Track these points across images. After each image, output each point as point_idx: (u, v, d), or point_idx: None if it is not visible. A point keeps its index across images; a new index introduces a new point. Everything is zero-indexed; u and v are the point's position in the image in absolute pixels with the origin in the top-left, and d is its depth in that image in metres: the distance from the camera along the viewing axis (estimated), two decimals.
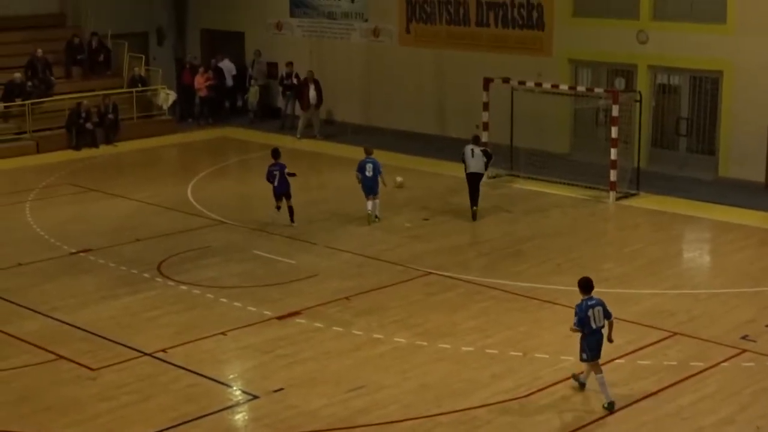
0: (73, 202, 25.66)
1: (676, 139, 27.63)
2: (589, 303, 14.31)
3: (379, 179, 23.30)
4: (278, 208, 23.13)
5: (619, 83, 28.16)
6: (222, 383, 15.20)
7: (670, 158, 27.55)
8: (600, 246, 21.90)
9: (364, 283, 19.30)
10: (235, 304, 18.25)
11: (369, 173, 23.23)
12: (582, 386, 14.65)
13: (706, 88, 26.95)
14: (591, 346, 14.29)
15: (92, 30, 35.21)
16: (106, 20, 35.62)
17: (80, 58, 34.63)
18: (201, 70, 35.10)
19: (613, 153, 24.66)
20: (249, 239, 22.23)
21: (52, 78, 33.10)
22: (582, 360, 14.45)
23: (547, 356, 15.69)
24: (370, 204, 23.32)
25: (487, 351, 16.05)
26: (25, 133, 31.59)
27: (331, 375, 15.28)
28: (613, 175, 24.76)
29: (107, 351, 16.26)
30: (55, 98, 32.51)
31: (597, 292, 18.37)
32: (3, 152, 30.57)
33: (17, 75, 31.99)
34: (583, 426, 13.75)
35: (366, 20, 33.62)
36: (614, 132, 24.71)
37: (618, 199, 24.80)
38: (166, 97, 34.34)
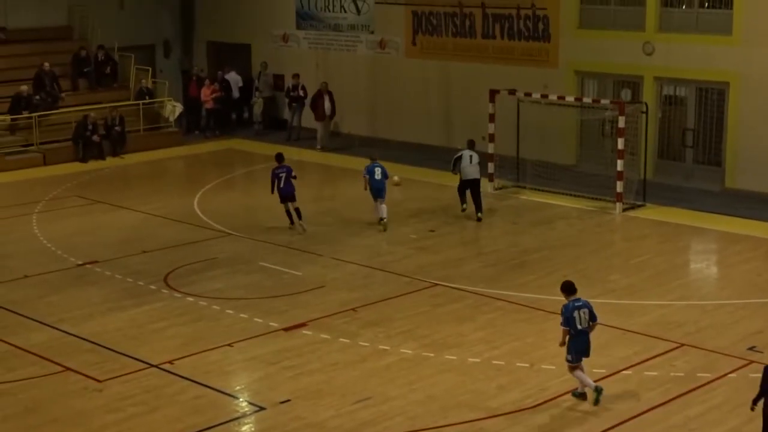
0: (80, 214, 25.69)
1: (683, 151, 27.61)
2: (576, 304, 14.52)
3: (386, 183, 23.74)
4: (288, 213, 23.55)
5: (626, 95, 28.17)
6: (228, 395, 15.19)
7: (677, 169, 27.53)
8: (606, 257, 21.88)
9: (371, 294, 19.30)
10: (242, 315, 18.25)
11: (378, 176, 23.65)
12: (583, 397, 14.62)
13: (713, 99, 26.95)
14: (577, 348, 14.45)
15: (99, 43, 35.32)
16: (112, 33, 35.73)
17: (87, 71, 34.70)
18: (207, 82, 35.17)
19: (620, 164, 24.65)
20: (255, 251, 22.24)
21: (60, 93, 33.13)
22: (567, 361, 14.56)
23: (554, 367, 15.66)
24: (379, 207, 23.69)
25: (494, 362, 16.03)
26: (32, 145, 31.66)
27: (337, 386, 15.27)
28: (619, 187, 24.74)
29: (114, 362, 16.26)
30: (61, 111, 32.59)
31: (604, 303, 18.48)
32: (10, 164, 30.64)
33: (24, 88, 32.06)
34: None
35: (372, 32, 33.68)
36: (620, 143, 24.70)
37: (624, 210, 24.78)
38: (173, 109, 34.40)
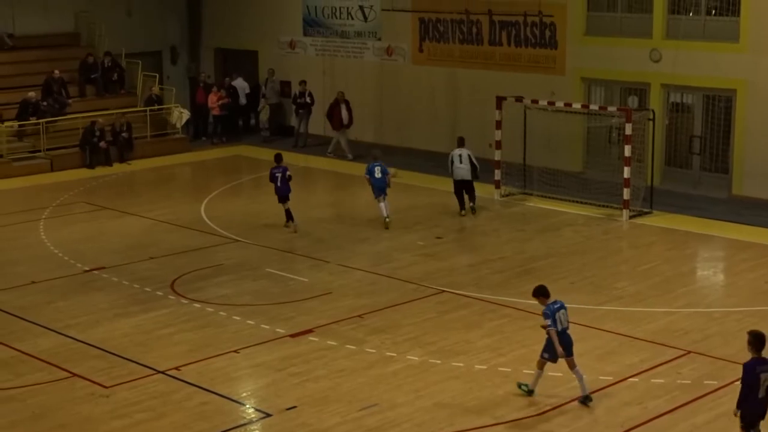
0: (87, 220, 25.73)
1: (690, 158, 27.59)
2: (555, 306, 14.74)
3: (387, 180, 24.41)
4: (287, 213, 24.22)
5: (633, 102, 28.16)
6: (235, 401, 15.20)
7: (684, 177, 27.52)
8: (613, 264, 21.86)
9: (378, 301, 19.30)
10: (248, 322, 18.26)
11: (378, 175, 24.30)
12: (586, 394, 14.75)
13: (720, 106, 26.93)
14: (550, 347, 14.70)
15: (106, 49, 35.41)
16: (120, 39, 35.83)
17: (94, 77, 34.78)
18: (214, 89, 35.22)
19: (626, 171, 24.63)
20: (262, 257, 22.25)
21: (67, 99, 33.22)
22: (543, 358, 14.81)
23: (561, 374, 15.63)
24: (382, 205, 24.24)
25: (501, 369, 16.02)
26: (40, 151, 31.73)
27: (344, 393, 15.26)
28: (626, 194, 24.72)
29: (121, 369, 16.28)
30: (69, 117, 32.65)
31: (611, 310, 18.49)
32: (17, 170, 30.70)
33: (32, 94, 32.14)
34: None
35: (379, 39, 33.72)
36: (627, 150, 24.69)
37: (631, 217, 24.76)
38: (180, 115, 34.45)
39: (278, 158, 24.63)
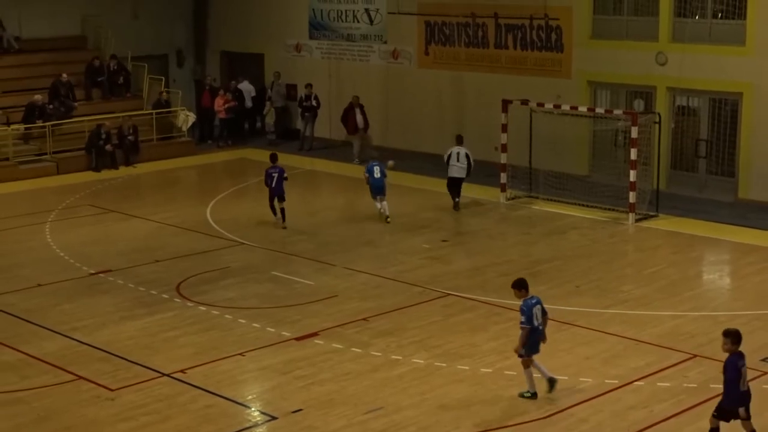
0: (93, 223, 25.76)
1: (696, 161, 27.57)
2: (532, 302, 14.86)
3: (385, 181, 24.95)
4: (273, 209, 24.81)
5: (638, 105, 28.14)
6: (240, 404, 15.20)
7: (690, 180, 27.50)
8: (619, 267, 21.85)
9: (383, 304, 19.29)
10: (254, 325, 18.26)
11: (377, 175, 24.90)
12: (534, 396, 14.93)
13: (726, 110, 26.91)
14: (532, 343, 14.81)
15: (112, 52, 35.45)
16: (126, 43, 35.89)
17: (100, 80, 34.83)
18: (221, 92, 35.25)
19: (632, 175, 24.62)
20: (267, 260, 22.27)
21: (73, 102, 33.28)
22: (520, 356, 14.87)
23: (566, 378, 15.63)
24: (378, 204, 24.92)
25: (506, 372, 16.00)
26: (46, 154, 31.77)
27: (349, 396, 15.26)
28: (632, 197, 24.71)
29: (126, 371, 16.28)
30: (75, 120, 32.70)
31: (617, 313, 18.48)
32: (23, 173, 30.75)
33: (38, 97, 32.19)
34: None
35: (385, 42, 33.73)
36: (633, 154, 24.69)
37: (637, 220, 24.74)
38: (186, 118, 34.49)
39: (273, 158, 25.44)
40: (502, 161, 27.02)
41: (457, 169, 25.97)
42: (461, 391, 15.39)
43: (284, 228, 24.58)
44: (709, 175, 27.36)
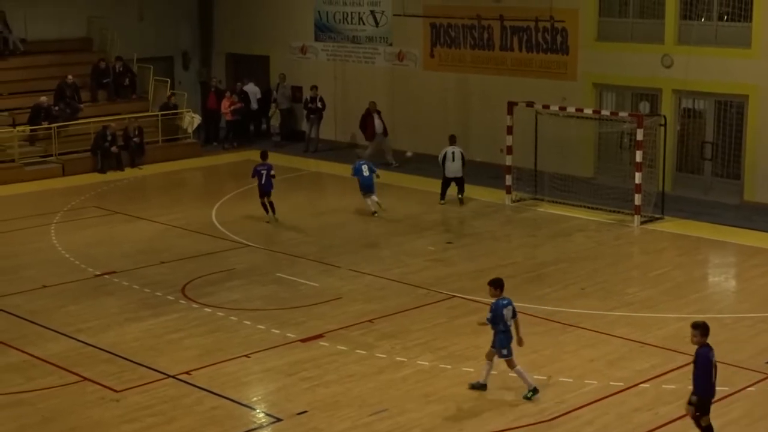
0: (98, 225, 25.78)
1: (701, 164, 27.55)
2: (503, 302, 15.08)
3: (374, 178, 25.79)
4: (264, 206, 25.29)
5: (644, 107, 28.14)
6: (245, 405, 15.20)
7: (695, 182, 27.47)
8: (624, 270, 21.82)
9: (388, 306, 19.29)
10: (259, 326, 18.27)
11: (366, 173, 25.69)
12: (484, 387, 15.23)
13: (731, 112, 26.89)
14: (507, 343, 15.06)
15: (118, 54, 35.50)
16: (131, 45, 35.94)
17: (106, 82, 34.87)
18: (227, 94, 35.26)
19: (638, 177, 24.59)
20: (272, 262, 22.28)
21: (79, 104, 33.32)
22: (504, 356, 15.05)
23: (571, 380, 15.63)
24: (369, 201, 25.70)
25: (511, 375, 15.97)
26: (51, 156, 31.81)
27: (354, 398, 15.26)
28: (637, 199, 24.69)
29: (131, 373, 16.30)
30: (80, 122, 32.74)
31: (622, 315, 18.46)
32: (29, 175, 30.79)
33: (44, 99, 32.24)
34: None
35: (390, 44, 33.75)
36: (639, 156, 24.66)
37: (642, 223, 24.72)
38: (191, 120, 34.53)
39: (264, 155, 26.09)
40: (507, 163, 27.01)
41: (456, 169, 26.68)
42: (466, 393, 15.38)
43: (276, 220, 25.13)
44: (715, 177, 27.34)
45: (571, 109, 26.62)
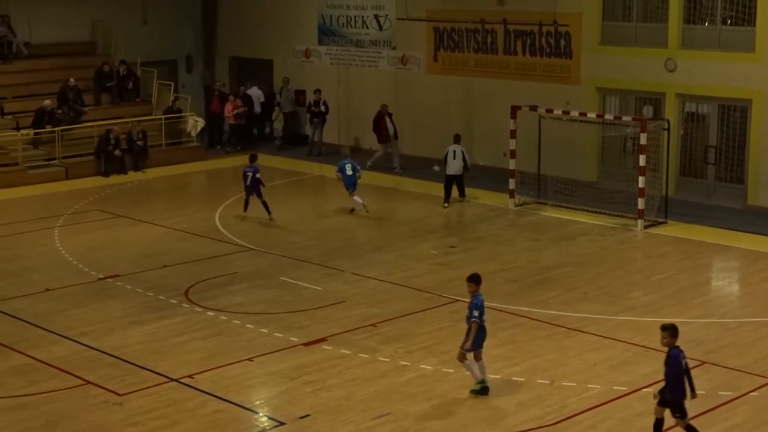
0: (102, 228, 25.79)
1: (705, 168, 27.53)
2: (482, 298, 15.24)
3: (357, 176, 26.42)
4: (246, 202, 26.04)
5: (647, 111, 28.12)
6: (248, 409, 15.20)
7: (699, 187, 27.46)
8: (628, 274, 21.81)
9: (391, 309, 19.29)
10: (262, 330, 18.27)
11: (350, 172, 26.33)
12: (485, 391, 15.29)
13: (735, 116, 26.88)
14: (481, 339, 15.21)
15: (122, 58, 35.54)
16: (135, 48, 35.96)
17: (110, 86, 34.90)
18: (231, 97, 35.28)
19: (641, 181, 24.58)
20: (276, 266, 22.27)
21: (83, 107, 33.36)
22: (465, 350, 15.15)
23: (575, 384, 15.62)
24: (357, 198, 26.19)
25: (514, 379, 15.99)
26: (55, 159, 31.84)
27: (357, 402, 15.26)
28: (641, 204, 24.68)
29: (134, 376, 16.30)
30: (84, 125, 32.77)
31: (625, 320, 18.45)
32: (33, 178, 30.81)
33: (47, 102, 32.27)
34: None
35: (394, 48, 33.75)
36: (642, 160, 24.65)
37: (646, 227, 24.71)
38: (195, 124, 34.54)
39: (253, 158, 26.72)
40: (510, 167, 27.01)
41: (455, 167, 27.05)
42: (469, 397, 15.37)
43: (270, 220, 25.71)
44: (718, 181, 27.32)
45: (574, 113, 26.60)
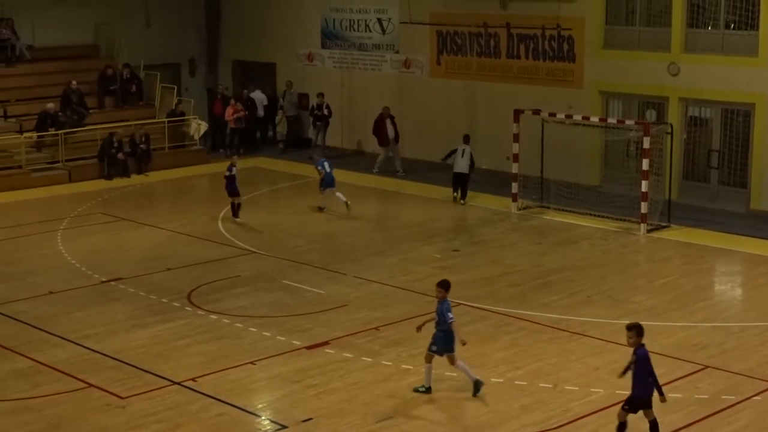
0: (105, 231, 25.80)
1: (708, 172, 27.52)
2: (449, 304, 15.43)
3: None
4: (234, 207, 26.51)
5: (651, 115, 28.12)
6: (251, 413, 15.20)
7: (702, 191, 27.44)
8: (631, 278, 21.80)
9: (393, 313, 19.28)
10: (265, 333, 18.27)
11: (329, 169, 27.03)
12: (428, 391, 15.52)
13: (738, 120, 26.88)
14: (449, 341, 15.37)
15: (125, 61, 35.56)
16: (138, 51, 36.00)
17: (113, 89, 34.92)
18: (232, 101, 35.28)
19: (644, 185, 24.58)
20: (278, 269, 22.27)
21: (85, 110, 33.38)
22: (432, 351, 15.39)
23: (577, 388, 15.61)
24: (339, 194, 26.71)
25: (517, 382, 15.98)
26: (58, 162, 31.86)
27: (359, 405, 15.25)
28: (644, 207, 24.67)
29: (137, 379, 16.30)
30: (87, 128, 32.79)
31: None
32: (36, 181, 30.83)
33: (50, 105, 32.28)
34: None
35: (397, 52, 33.77)
36: (645, 164, 24.65)
37: (649, 231, 24.70)
38: (198, 127, 34.56)
39: (232, 158, 27.35)
40: (513, 171, 27.00)
41: (462, 165, 27.58)
42: (472, 400, 15.36)
43: (235, 221, 26.10)
44: (721, 185, 27.31)
45: (577, 117, 26.61)
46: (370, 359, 17.01)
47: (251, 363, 16.90)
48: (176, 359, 17.15)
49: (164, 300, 20.17)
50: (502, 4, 30.73)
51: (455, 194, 27.80)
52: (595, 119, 26.66)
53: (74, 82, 33.29)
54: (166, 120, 34.03)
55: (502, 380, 16.08)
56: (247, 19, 37.89)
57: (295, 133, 36.23)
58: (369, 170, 31.95)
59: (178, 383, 16.09)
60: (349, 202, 26.66)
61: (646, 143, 24.65)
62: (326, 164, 27.17)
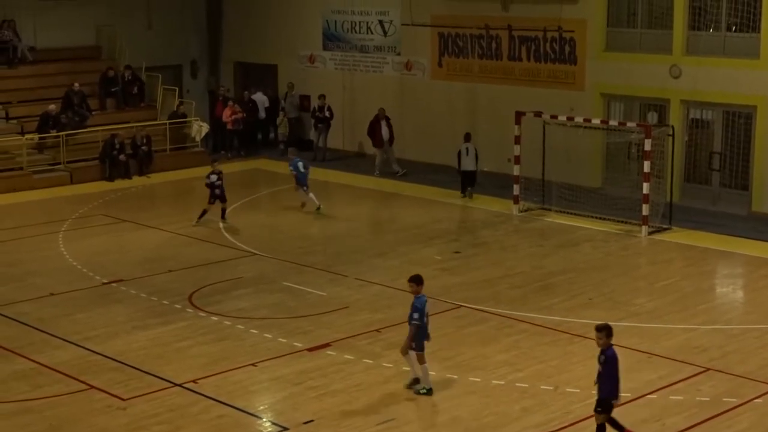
0: (106, 233, 25.80)
1: (709, 174, 27.51)
2: (424, 299, 15.54)
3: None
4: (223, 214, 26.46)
5: (652, 117, 28.12)
6: (252, 414, 15.20)
7: (703, 193, 27.43)
8: (632, 280, 21.79)
9: (395, 315, 19.25)
10: (266, 335, 18.27)
11: (303, 169, 27.23)
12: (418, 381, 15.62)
13: (739, 122, 26.86)
14: (423, 338, 15.49)
15: (126, 63, 35.58)
16: (140, 53, 36.00)
17: (114, 91, 34.93)
18: (230, 103, 35.22)
19: (646, 187, 24.57)
20: (280, 271, 22.27)
21: (87, 111, 33.39)
22: (413, 349, 15.47)
23: (579, 390, 15.60)
24: (312, 195, 27.05)
25: (518, 385, 15.98)
26: (60, 164, 31.87)
27: (361, 407, 15.25)
28: (645, 210, 24.66)
29: (138, 381, 16.30)
30: (89, 130, 32.80)
31: (629, 326, 18.41)
32: (37, 183, 30.84)
33: (52, 107, 32.29)
34: None
35: (398, 54, 33.78)
36: (646, 166, 24.64)
37: (650, 233, 24.69)
38: (199, 129, 34.57)
39: (213, 163, 27.52)
40: (515, 173, 27.00)
41: (468, 164, 28.36)
42: (473, 403, 15.37)
43: (224, 225, 25.93)
44: (723, 188, 27.30)
45: (579, 119, 26.62)
46: (371, 361, 17.01)
47: (252, 365, 16.90)
48: (177, 361, 17.15)
49: (165, 302, 20.17)
50: (503, 6, 30.74)
51: (463, 194, 28.32)
52: (596, 121, 26.65)
53: (76, 84, 33.31)
54: (168, 122, 34.04)
55: (503, 382, 16.08)
56: (248, 20, 37.90)
57: (296, 135, 36.21)
58: (370, 172, 31.95)
59: (180, 385, 16.09)
60: (306, 204, 27.11)
61: (648, 145, 24.64)
62: (300, 164, 27.24)
